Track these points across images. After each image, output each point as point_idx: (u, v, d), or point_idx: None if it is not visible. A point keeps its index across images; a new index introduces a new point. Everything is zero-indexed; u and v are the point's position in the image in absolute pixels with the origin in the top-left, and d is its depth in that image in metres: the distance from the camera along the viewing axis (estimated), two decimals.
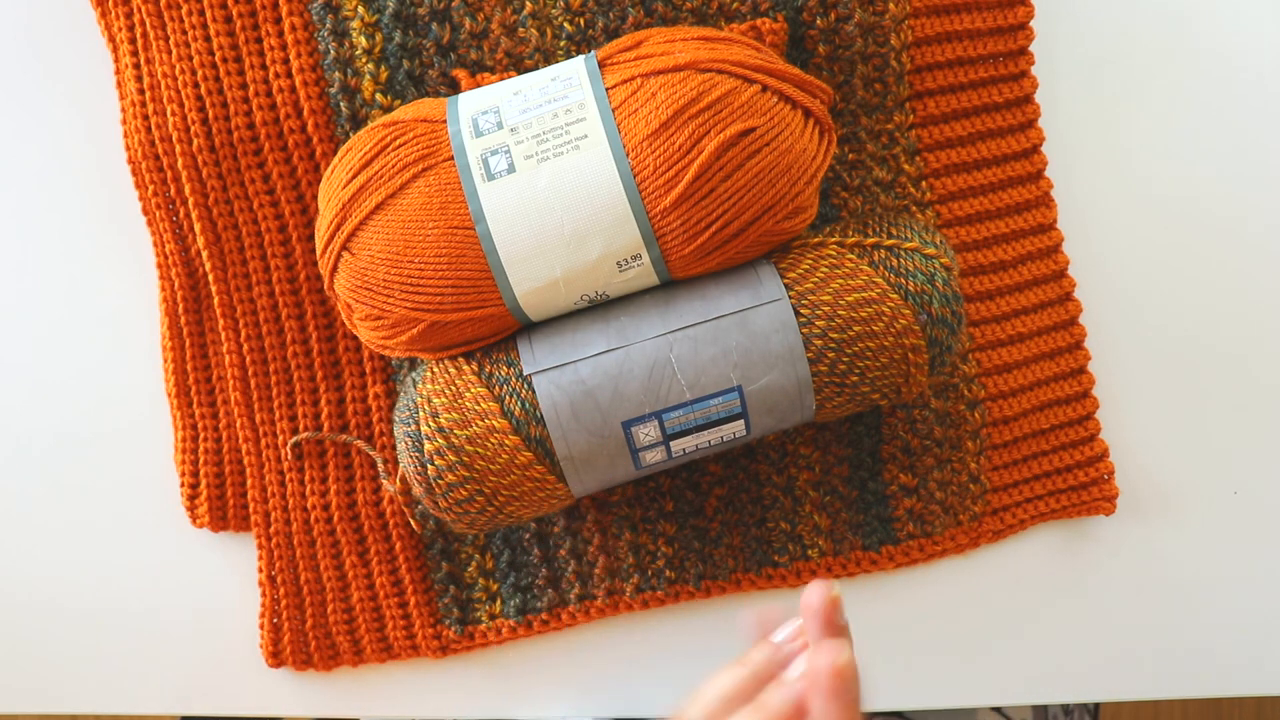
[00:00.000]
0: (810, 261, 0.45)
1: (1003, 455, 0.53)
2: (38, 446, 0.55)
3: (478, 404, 0.44)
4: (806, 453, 0.53)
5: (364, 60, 0.50)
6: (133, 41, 0.52)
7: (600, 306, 0.46)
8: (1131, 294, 0.54)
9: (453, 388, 0.45)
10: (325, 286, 0.46)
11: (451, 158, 0.43)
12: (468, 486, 0.44)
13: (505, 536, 0.53)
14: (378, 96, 0.50)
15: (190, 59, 0.51)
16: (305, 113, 0.50)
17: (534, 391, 0.44)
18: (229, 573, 0.55)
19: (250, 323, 0.53)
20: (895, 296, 0.44)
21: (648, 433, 0.44)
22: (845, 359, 0.44)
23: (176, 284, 0.53)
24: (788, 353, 0.44)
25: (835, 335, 0.44)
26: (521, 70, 0.50)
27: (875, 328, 0.44)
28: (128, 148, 0.52)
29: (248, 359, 0.53)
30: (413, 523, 0.52)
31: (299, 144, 0.51)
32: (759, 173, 0.42)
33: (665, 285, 0.46)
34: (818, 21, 0.49)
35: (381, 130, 0.44)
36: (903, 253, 0.45)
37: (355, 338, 0.53)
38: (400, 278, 0.43)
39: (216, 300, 0.52)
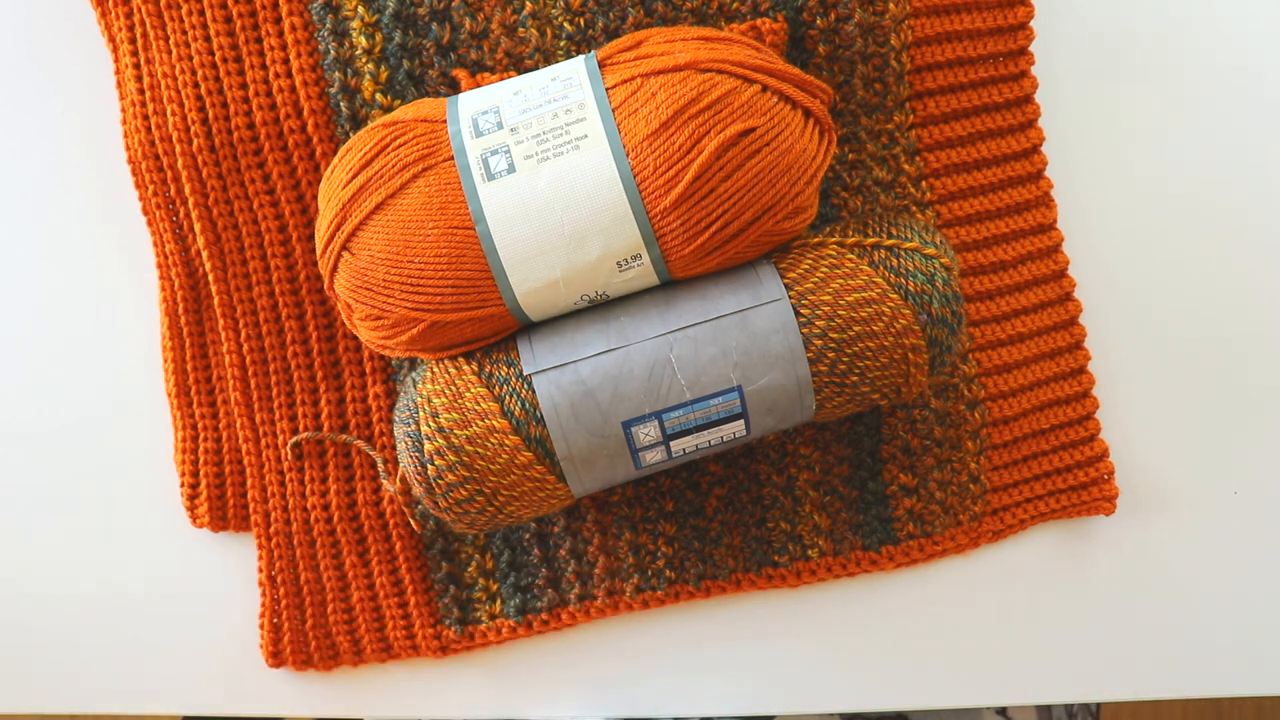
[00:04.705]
0: (810, 261, 0.45)
1: (1003, 455, 0.53)
2: (37, 447, 0.55)
3: (478, 404, 0.44)
4: (806, 453, 0.53)
5: (364, 60, 0.50)
6: (133, 41, 0.52)
7: (600, 306, 0.46)
8: (1132, 294, 0.54)
9: (453, 388, 0.45)
10: (325, 286, 0.46)
11: (451, 158, 0.43)
12: (468, 486, 0.44)
13: (505, 536, 0.53)
14: (378, 96, 0.50)
15: (190, 59, 0.51)
16: (305, 113, 0.50)
17: (534, 391, 0.44)
18: (229, 573, 0.55)
19: (250, 323, 0.53)
20: (895, 296, 0.44)
21: (648, 433, 0.44)
22: (845, 359, 0.44)
23: (176, 284, 0.53)
24: (788, 353, 0.44)
25: (835, 335, 0.44)
26: (521, 70, 0.50)
27: (875, 328, 0.44)
28: (128, 148, 0.52)
29: (248, 359, 0.53)
30: (413, 523, 0.52)
31: (299, 144, 0.51)
32: (759, 173, 0.42)
33: (665, 285, 0.46)
34: (818, 21, 0.49)
35: (381, 130, 0.44)
36: (903, 253, 0.45)
37: (355, 338, 0.53)
38: (400, 278, 0.43)
39: (216, 300, 0.52)
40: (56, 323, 0.55)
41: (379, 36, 0.50)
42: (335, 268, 0.44)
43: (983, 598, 0.54)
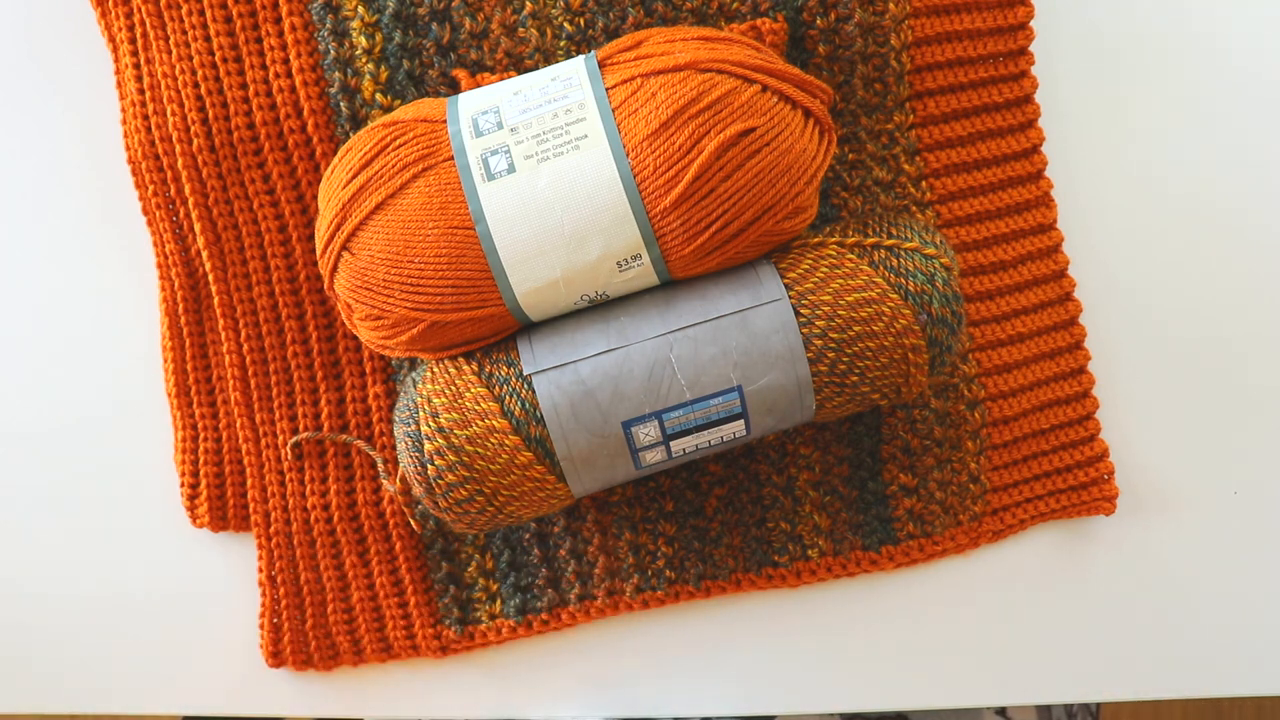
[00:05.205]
0: (810, 261, 0.45)
1: (1003, 455, 0.53)
2: (37, 447, 0.55)
3: (478, 404, 0.44)
4: (806, 453, 0.53)
5: (364, 60, 0.50)
6: (133, 41, 0.52)
7: (600, 306, 0.46)
8: (1132, 294, 0.54)
9: (453, 388, 0.45)
10: (325, 286, 0.46)
11: (451, 158, 0.43)
12: (468, 486, 0.44)
13: (505, 536, 0.53)
14: (378, 96, 0.50)
15: (190, 59, 0.51)
16: (305, 113, 0.50)
17: (534, 391, 0.44)
18: (229, 573, 0.55)
19: (250, 323, 0.53)
20: (895, 296, 0.44)
21: (648, 433, 0.44)
22: (845, 359, 0.44)
23: (176, 284, 0.53)
24: (788, 353, 0.44)
25: (835, 335, 0.44)
26: (521, 70, 0.50)
27: (875, 328, 0.44)
28: (128, 148, 0.52)
29: (248, 359, 0.53)
30: (413, 523, 0.52)
31: (299, 144, 0.51)
32: (759, 173, 0.42)
33: (665, 285, 0.46)
34: (818, 21, 0.49)
35: (381, 130, 0.44)
36: (903, 253, 0.45)
37: (355, 338, 0.53)
38: (400, 278, 0.43)
39: (216, 300, 0.52)
40: (56, 323, 0.55)
41: (379, 36, 0.50)
42: (335, 268, 0.44)
43: (983, 598, 0.54)
